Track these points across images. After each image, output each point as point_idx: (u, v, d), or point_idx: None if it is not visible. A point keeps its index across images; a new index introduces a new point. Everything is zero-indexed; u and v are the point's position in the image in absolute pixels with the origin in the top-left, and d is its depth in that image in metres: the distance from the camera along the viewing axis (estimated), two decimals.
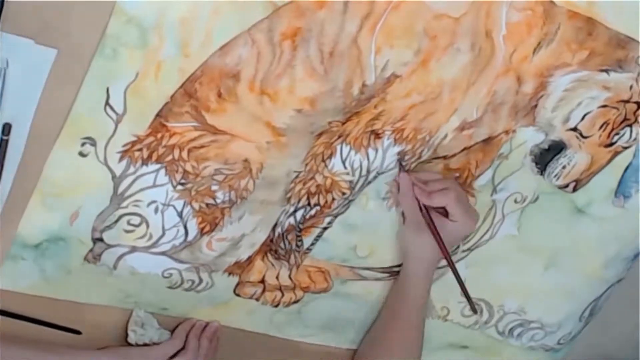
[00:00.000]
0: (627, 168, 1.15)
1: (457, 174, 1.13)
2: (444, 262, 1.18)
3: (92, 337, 1.13)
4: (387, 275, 1.19)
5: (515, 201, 1.17)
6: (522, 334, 1.31)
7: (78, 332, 1.12)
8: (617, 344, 1.45)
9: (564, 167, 1.12)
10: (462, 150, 1.10)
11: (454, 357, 1.33)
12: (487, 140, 1.11)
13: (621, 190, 1.17)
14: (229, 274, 1.14)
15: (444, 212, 1.13)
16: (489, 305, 1.27)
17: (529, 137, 1.11)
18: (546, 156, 1.13)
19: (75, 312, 1.11)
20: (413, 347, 1.20)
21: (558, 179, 1.13)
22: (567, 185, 1.15)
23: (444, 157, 1.10)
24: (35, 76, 0.90)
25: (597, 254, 1.24)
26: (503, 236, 1.21)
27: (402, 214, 1.15)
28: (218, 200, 1.05)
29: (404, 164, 1.10)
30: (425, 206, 1.11)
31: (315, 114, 1.01)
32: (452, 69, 1.02)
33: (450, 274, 1.20)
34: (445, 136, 1.08)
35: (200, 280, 1.12)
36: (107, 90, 0.92)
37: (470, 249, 1.21)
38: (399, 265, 1.19)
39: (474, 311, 1.21)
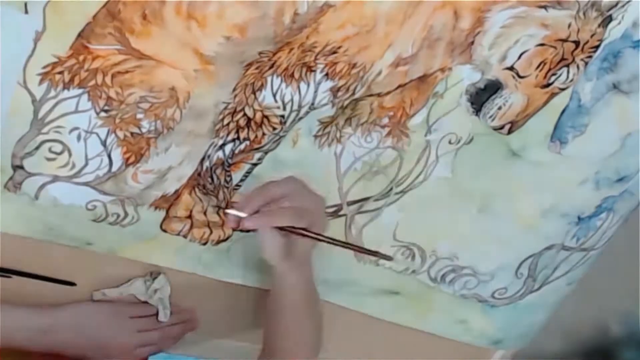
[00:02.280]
0: (563, 111, 1.15)
1: (392, 113, 1.12)
2: (375, 205, 1.18)
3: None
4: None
5: (450, 142, 1.17)
6: (455, 280, 1.31)
7: (72, 284, 1.13)
8: None
9: (499, 108, 1.12)
10: (397, 87, 1.10)
11: (384, 303, 1.34)
12: (422, 78, 1.11)
13: (557, 135, 1.17)
14: (156, 208, 1.14)
15: None
16: (422, 250, 1.28)
17: (465, 76, 1.11)
18: (482, 96, 1.12)
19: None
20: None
21: (493, 119, 1.14)
22: (502, 127, 1.15)
23: (378, 95, 1.10)
24: None
25: (532, 202, 1.25)
26: (436, 178, 1.21)
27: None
28: (143, 130, 1.04)
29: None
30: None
31: (245, 43, 1.00)
32: (388, 0, 1.01)
33: (383, 216, 1.21)
34: (380, 72, 1.07)
35: (126, 214, 1.12)
36: (25, 5, 0.90)
37: (403, 191, 1.21)
38: (330, 207, 1.20)
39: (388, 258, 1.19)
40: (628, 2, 1.07)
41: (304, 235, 1.09)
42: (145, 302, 1.21)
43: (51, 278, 1.15)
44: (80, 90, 0.99)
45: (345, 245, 1.18)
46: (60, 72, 0.97)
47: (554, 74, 1.11)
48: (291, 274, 1.11)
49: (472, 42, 1.08)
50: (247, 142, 1.10)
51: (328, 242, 1.12)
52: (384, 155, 1.18)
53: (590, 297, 1.44)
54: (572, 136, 1.19)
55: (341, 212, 1.22)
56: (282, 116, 1.09)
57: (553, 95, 1.14)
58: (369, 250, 1.18)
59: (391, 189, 1.21)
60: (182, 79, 1.01)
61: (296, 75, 1.05)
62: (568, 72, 1.12)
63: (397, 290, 1.34)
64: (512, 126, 1.16)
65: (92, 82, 0.99)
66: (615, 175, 1.25)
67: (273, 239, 1.07)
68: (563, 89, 1.14)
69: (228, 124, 1.08)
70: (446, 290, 1.33)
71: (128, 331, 1.20)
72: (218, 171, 1.12)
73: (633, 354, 1.50)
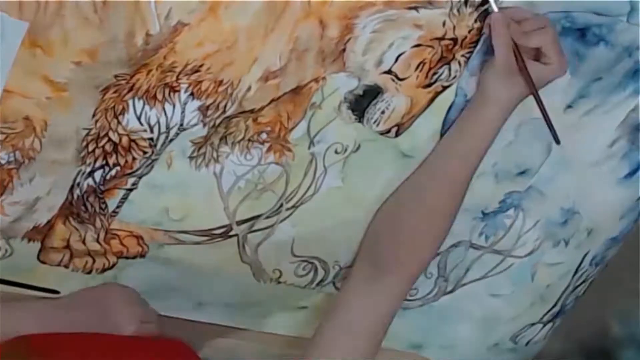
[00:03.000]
0: (449, 108, 1.14)
1: (269, 128, 1.10)
2: (267, 223, 1.20)
3: None
4: (207, 238, 1.18)
5: (336, 152, 1.16)
6: None
7: (56, 292, 1.14)
8: None
9: (382, 112, 1.10)
10: (270, 102, 1.08)
11: (294, 318, 1.33)
12: (297, 90, 1.09)
13: (446, 131, 1.16)
14: (29, 240, 1.12)
15: (535, 54, 1.08)
16: (324, 263, 1.27)
17: (341, 84, 1.09)
18: (362, 102, 1.11)
19: None
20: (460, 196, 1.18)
21: (378, 124, 1.12)
22: (389, 131, 1.14)
23: (252, 111, 1.08)
24: None
25: None
26: (327, 189, 1.19)
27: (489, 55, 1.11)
28: (2, 161, 1.02)
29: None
30: (517, 47, 1.06)
31: (97, 67, 0.99)
32: (245, 16, 0.99)
33: (277, 233, 1.22)
34: (249, 88, 1.06)
35: None
36: None
37: (295, 207, 1.19)
38: (219, 228, 1.17)
39: (557, 141, 1.13)
40: None
41: (529, 84, 1.09)
42: None
43: (35, 286, 1.17)
44: None
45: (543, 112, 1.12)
46: None
47: (435, 73, 1.10)
48: (505, 104, 1.11)
49: (344, 50, 1.06)
50: (118, 168, 1.09)
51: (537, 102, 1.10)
52: (268, 171, 1.16)
53: (590, 297, 1.43)
54: None
55: (232, 233, 1.20)
56: (151, 139, 1.07)
57: (437, 93, 1.13)
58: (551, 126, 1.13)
59: (281, 205, 1.19)
60: (35, 107, 1.00)
61: (159, 96, 1.03)
62: (450, 69, 1.11)
63: (305, 305, 1.33)
64: (399, 128, 1.15)
65: None
66: (515, 168, 1.24)
67: (510, 64, 1.08)
68: (447, 87, 1.12)
69: (94, 150, 1.06)
70: None
71: (132, 315, 1.19)
72: (91, 199, 1.10)
73: (633, 355, 1.51)
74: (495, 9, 1.04)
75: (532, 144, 1.21)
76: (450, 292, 1.37)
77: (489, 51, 1.09)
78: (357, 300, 1.19)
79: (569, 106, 1.16)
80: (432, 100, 1.13)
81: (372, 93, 1.10)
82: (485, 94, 1.11)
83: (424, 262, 1.21)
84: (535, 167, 1.24)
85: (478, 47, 1.10)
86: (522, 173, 1.24)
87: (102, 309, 1.17)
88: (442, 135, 1.16)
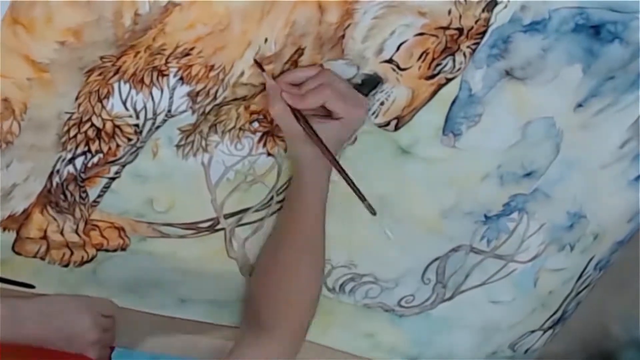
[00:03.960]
0: (453, 102, 1.13)
1: (262, 117, 1.09)
2: (256, 216, 1.20)
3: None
4: (193, 231, 1.17)
5: None
6: (355, 289, 1.29)
7: (32, 287, 1.15)
8: None
9: (382, 104, 1.10)
10: (264, 89, 1.07)
11: None
12: None
13: (449, 127, 1.15)
14: (4, 229, 1.11)
15: (326, 110, 1.08)
16: None
17: (339, 71, 1.09)
18: (360, 92, 1.10)
19: None
20: (318, 254, 1.20)
21: (377, 116, 1.12)
22: (388, 124, 1.13)
23: (244, 99, 1.07)
24: None
25: (430, 202, 1.23)
26: None
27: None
28: None
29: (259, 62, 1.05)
30: (299, 111, 1.07)
31: (82, 48, 0.98)
32: None
33: (266, 227, 1.23)
34: (242, 73, 1.05)
35: None
36: None
37: None
38: (205, 221, 1.17)
39: (372, 212, 1.14)
40: None
41: (322, 149, 1.10)
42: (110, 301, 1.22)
43: (10, 280, 1.17)
44: None
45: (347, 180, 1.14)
46: None
47: (438, 64, 1.09)
48: (314, 164, 1.12)
49: (343, 36, 1.06)
50: (101, 155, 1.08)
51: (335, 167, 1.11)
52: (259, 162, 1.17)
53: (591, 299, 1.43)
54: (465, 127, 1.17)
55: (218, 226, 1.20)
56: (137, 125, 1.06)
57: (440, 86, 1.12)
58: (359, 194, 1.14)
59: (272, 197, 1.19)
60: (15, 88, 0.99)
61: (146, 80, 1.03)
62: (454, 60, 1.10)
63: None
64: (399, 122, 1.14)
65: None
66: (521, 169, 1.22)
67: (299, 130, 1.09)
68: (451, 79, 1.12)
69: (75, 136, 1.05)
70: (347, 301, 1.31)
71: (98, 329, 1.20)
72: (71, 187, 1.09)
73: (634, 356, 1.51)
74: (270, 80, 1.06)
75: (540, 144, 1.21)
76: (449, 299, 1.36)
77: (497, 44, 1.09)
78: None
79: (580, 105, 1.16)
80: (434, 92, 1.12)
81: (371, 83, 1.10)
82: (294, 161, 1.15)
83: (303, 323, 1.22)
84: (542, 169, 1.23)
85: (485, 38, 1.10)
86: (528, 175, 1.23)
87: (61, 320, 1.19)
88: (444, 132, 1.15)
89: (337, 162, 1.10)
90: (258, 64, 1.05)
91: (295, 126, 1.07)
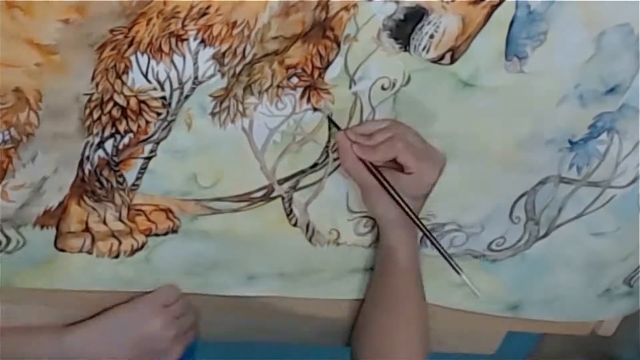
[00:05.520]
0: (512, 23, 1.09)
1: (299, 70, 1.08)
2: (314, 178, 1.21)
3: None
4: (246, 203, 1.17)
5: (383, 88, 1.13)
6: (438, 240, 1.25)
7: None
8: None
9: (431, 37, 1.07)
10: (296, 40, 1.05)
11: (356, 283, 1.33)
12: (325, 23, 1.06)
13: (512, 51, 1.11)
14: (42, 226, 1.12)
15: (399, 165, 1.13)
16: None
17: (377, 9, 1.05)
18: (405, 28, 1.07)
19: None
20: (415, 319, 1.23)
21: (428, 51, 1.09)
22: (442, 57, 1.10)
23: (276, 53, 1.05)
24: None
25: (504, 135, 1.19)
26: None
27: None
28: None
29: (330, 116, 1.13)
30: (372, 164, 1.12)
31: (88, 23, 0.97)
32: None
33: (327, 189, 1.21)
34: (269, 26, 1.03)
35: (8, 240, 1.11)
36: None
37: None
38: (258, 190, 1.16)
39: (458, 273, 1.18)
40: None
41: (398, 203, 1.16)
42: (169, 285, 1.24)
43: None
44: None
45: (433, 241, 1.19)
46: None
47: None
48: (397, 220, 1.18)
49: None
50: (131, 135, 1.08)
51: (415, 223, 1.16)
52: (306, 119, 1.15)
53: None
54: (530, 49, 1.12)
55: (274, 194, 1.20)
56: (164, 97, 1.06)
57: (493, 7, 1.07)
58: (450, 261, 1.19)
59: (327, 155, 1.18)
60: (24, 76, 0.99)
61: (165, 48, 1.02)
62: None
63: (370, 266, 1.31)
64: (454, 53, 1.10)
65: None
66: (603, 85, 1.18)
67: (373, 184, 1.15)
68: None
69: (99, 118, 1.05)
70: (430, 254, 1.27)
71: (170, 322, 1.22)
72: (105, 173, 1.10)
73: (633, 355, 1.50)
74: (340, 133, 1.12)
75: (619, 55, 1.15)
76: (544, 236, 1.34)
77: None
78: None
79: None
80: (488, 15, 1.08)
81: (415, 16, 1.07)
82: (374, 216, 1.20)
83: None
84: (626, 82, 1.18)
85: None
86: (611, 90, 1.18)
87: (128, 333, 1.21)
88: (507, 57, 1.10)
89: (416, 216, 1.15)
90: (330, 120, 1.14)
91: (369, 179, 1.13)
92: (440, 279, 1.34)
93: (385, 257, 1.21)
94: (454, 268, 1.17)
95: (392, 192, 1.13)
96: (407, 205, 1.13)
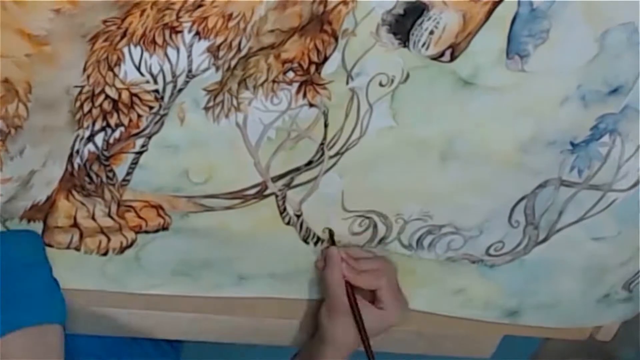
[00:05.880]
0: (513, 20, 1.07)
1: (296, 65, 1.07)
2: (308, 175, 1.21)
3: None
4: (239, 200, 1.16)
5: (381, 84, 1.11)
6: (435, 243, 1.27)
7: None
8: None
9: (431, 33, 1.06)
10: (293, 33, 1.04)
11: None
12: (322, 17, 1.05)
13: (513, 49, 1.10)
14: (29, 220, 1.12)
15: (371, 296, 1.21)
16: (383, 217, 1.24)
17: (376, 3, 1.04)
18: (405, 23, 1.06)
19: None
20: None
21: (428, 48, 1.08)
22: (442, 54, 1.09)
23: (272, 47, 1.05)
24: None
25: (504, 136, 1.18)
26: (377, 130, 1.16)
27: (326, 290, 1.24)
28: None
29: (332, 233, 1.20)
30: (351, 286, 1.19)
31: (80, 13, 0.96)
32: None
33: (322, 186, 1.21)
34: (265, 19, 1.02)
35: None
36: None
37: (339, 153, 1.17)
38: (251, 187, 1.15)
39: None
40: None
41: (359, 329, 1.22)
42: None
43: None
44: None
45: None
46: None
47: None
48: (342, 340, 1.25)
49: None
50: (122, 128, 1.07)
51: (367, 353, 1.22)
52: (301, 115, 1.14)
53: None
54: (532, 47, 1.11)
55: (267, 192, 1.19)
56: (156, 91, 1.05)
57: (495, 4, 1.06)
58: None
59: (323, 153, 1.17)
60: (14, 67, 0.98)
61: (159, 40, 1.01)
62: None
63: None
64: (454, 50, 1.09)
65: None
66: (605, 86, 1.16)
67: (342, 302, 1.23)
68: None
69: (90, 111, 1.05)
70: (427, 257, 1.29)
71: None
72: (95, 167, 1.09)
73: (633, 355, 1.51)
74: (333, 247, 1.21)
75: (623, 54, 1.14)
76: (544, 240, 1.33)
77: None
78: None
79: None
80: (489, 12, 1.07)
81: (415, 11, 1.06)
82: (321, 330, 1.25)
83: None
84: (629, 83, 1.17)
85: None
86: (614, 91, 1.17)
87: None
88: (508, 55, 1.09)
89: (370, 348, 1.20)
90: (331, 235, 1.22)
91: (342, 298, 1.21)
92: (436, 286, 1.34)
93: None
94: None
95: (359, 321, 1.20)
96: (366, 334, 1.20)
